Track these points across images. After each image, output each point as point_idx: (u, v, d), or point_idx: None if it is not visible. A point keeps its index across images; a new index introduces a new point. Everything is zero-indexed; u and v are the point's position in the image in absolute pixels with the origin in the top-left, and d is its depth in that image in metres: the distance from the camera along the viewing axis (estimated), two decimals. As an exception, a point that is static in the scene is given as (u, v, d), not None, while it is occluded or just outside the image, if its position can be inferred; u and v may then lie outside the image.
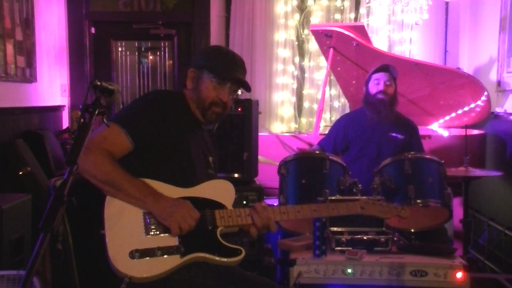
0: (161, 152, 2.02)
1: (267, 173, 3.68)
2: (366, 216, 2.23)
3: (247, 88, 2.15)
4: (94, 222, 1.88)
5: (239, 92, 2.19)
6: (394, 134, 3.50)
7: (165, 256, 1.84)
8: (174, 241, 1.87)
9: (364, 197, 2.22)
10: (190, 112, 2.14)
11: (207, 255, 1.88)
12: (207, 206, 1.98)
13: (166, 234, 1.88)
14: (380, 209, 2.17)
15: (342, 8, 5.70)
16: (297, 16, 5.74)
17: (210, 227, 1.94)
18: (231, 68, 2.11)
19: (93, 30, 5.69)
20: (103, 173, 1.89)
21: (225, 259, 1.90)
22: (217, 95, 2.10)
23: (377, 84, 3.51)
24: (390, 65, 3.55)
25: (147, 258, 1.82)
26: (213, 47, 2.28)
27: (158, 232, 1.88)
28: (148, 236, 1.86)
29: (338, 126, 3.72)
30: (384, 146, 3.49)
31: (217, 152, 2.33)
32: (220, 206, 2.00)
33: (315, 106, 5.53)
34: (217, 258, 1.89)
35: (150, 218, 1.89)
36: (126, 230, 1.86)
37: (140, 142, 1.99)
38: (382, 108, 3.48)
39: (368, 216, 2.21)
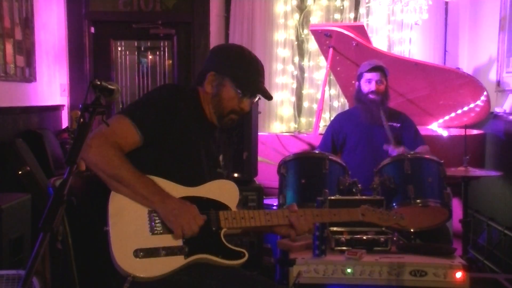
0: (170, 148, 2.00)
1: (267, 173, 3.68)
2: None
3: (269, 97, 2.15)
4: (95, 221, 1.88)
5: (256, 98, 2.18)
6: (390, 123, 3.54)
7: (169, 256, 1.83)
8: (178, 242, 1.86)
9: (364, 204, 2.19)
10: (201, 109, 2.11)
11: (211, 257, 1.88)
12: (211, 206, 1.97)
13: (171, 234, 1.87)
14: (380, 217, 2.17)
15: (341, 8, 5.69)
16: (296, 16, 5.73)
17: (214, 228, 1.93)
18: (256, 80, 2.09)
19: (92, 29, 5.69)
20: (111, 167, 1.86)
21: (228, 262, 1.90)
22: (238, 104, 2.09)
23: (368, 83, 3.58)
24: (381, 65, 3.60)
25: (151, 258, 1.81)
26: (236, 51, 2.13)
27: (162, 232, 1.87)
28: (153, 235, 1.85)
29: (334, 123, 3.81)
30: (382, 134, 3.52)
31: (229, 149, 2.31)
32: (224, 207, 1.99)
33: (315, 106, 5.53)
34: (220, 260, 1.89)
35: (155, 216, 1.88)
36: (130, 228, 1.84)
37: (150, 136, 1.97)
38: (374, 108, 3.55)
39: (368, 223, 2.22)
